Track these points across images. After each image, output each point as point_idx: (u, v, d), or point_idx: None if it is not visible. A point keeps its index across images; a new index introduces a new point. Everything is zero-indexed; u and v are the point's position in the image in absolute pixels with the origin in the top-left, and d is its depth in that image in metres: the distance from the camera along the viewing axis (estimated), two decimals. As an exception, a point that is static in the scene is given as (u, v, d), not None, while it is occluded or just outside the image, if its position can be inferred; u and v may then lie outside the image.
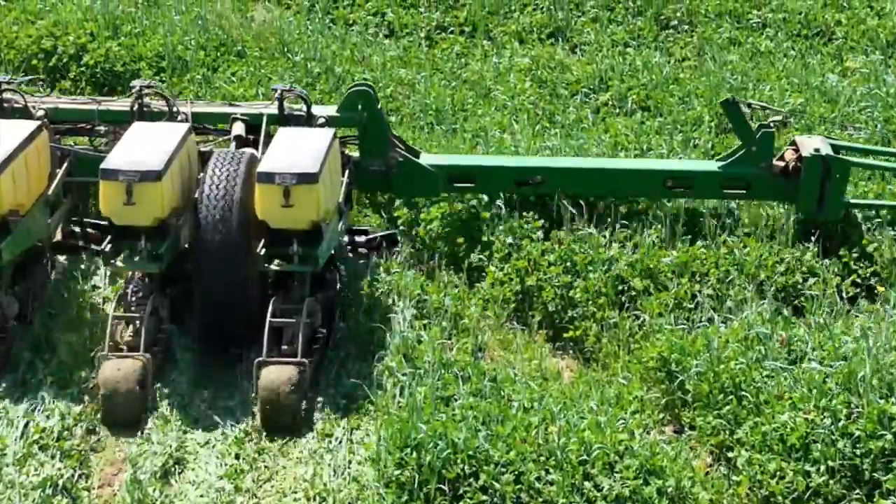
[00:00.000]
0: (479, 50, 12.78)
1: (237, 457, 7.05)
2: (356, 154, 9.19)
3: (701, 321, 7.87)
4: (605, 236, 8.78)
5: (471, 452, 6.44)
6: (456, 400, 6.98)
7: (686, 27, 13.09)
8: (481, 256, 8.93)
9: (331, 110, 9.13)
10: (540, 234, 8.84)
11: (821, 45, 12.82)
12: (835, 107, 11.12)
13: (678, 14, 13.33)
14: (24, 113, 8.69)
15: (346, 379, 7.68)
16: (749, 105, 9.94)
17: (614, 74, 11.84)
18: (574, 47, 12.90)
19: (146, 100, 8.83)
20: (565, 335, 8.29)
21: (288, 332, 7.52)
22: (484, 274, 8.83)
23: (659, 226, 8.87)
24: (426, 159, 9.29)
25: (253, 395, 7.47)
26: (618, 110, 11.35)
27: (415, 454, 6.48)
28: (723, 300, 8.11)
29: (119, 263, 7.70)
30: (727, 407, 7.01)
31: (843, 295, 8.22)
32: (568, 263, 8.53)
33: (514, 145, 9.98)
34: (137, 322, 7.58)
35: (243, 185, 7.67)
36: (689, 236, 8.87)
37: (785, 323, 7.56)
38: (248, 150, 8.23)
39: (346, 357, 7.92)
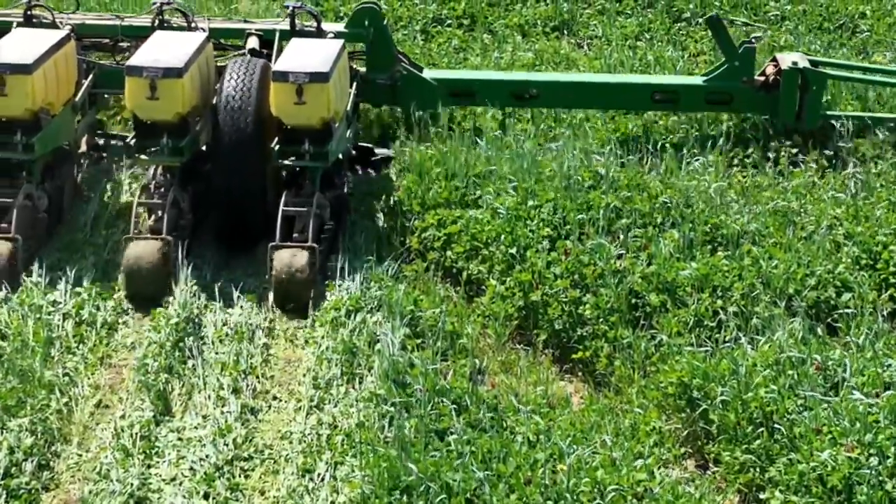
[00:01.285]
0: (479, 44, 12.10)
1: (206, 496, 6.32)
2: (363, 70, 9.93)
3: (725, 341, 7.13)
4: (616, 245, 8.07)
5: (468, 496, 5.73)
6: (451, 433, 6.25)
7: (700, 20, 12.35)
8: (480, 268, 8.22)
9: (339, 27, 9.94)
10: (545, 243, 8.13)
11: (844, 40, 12.14)
12: (863, 104, 10.42)
13: (691, 6, 12.62)
14: (52, 28, 9.28)
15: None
16: (732, 22, 11.01)
17: (624, 70, 11.14)
18: (580, 41, 12.23)
19: (166, 16, 9.38)
20: (574, 356, 7.53)
21: (299, 222, 8.25)
22: (483, 287, 8.12)
23: (675, 233, 8.16)
24: (429, 74, 10.17)
25: (267, 276, 8.14)
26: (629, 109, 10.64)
27: (405, 497, 5.77)
28: (748, 318, 7.37)
29: (143, 157, 8.49)
30: (757, 441, 6.26)
31: (882, 311, 7.47)
32: (576, 276, 7.80)
33: (517, 148, 9.27)
34: (160, 210, 8.29)
35: (259, 88, 8.48)
36: (710, 245, 8.16)
37: (820, 345, 6.84)
38: (263, 60, 8.93)
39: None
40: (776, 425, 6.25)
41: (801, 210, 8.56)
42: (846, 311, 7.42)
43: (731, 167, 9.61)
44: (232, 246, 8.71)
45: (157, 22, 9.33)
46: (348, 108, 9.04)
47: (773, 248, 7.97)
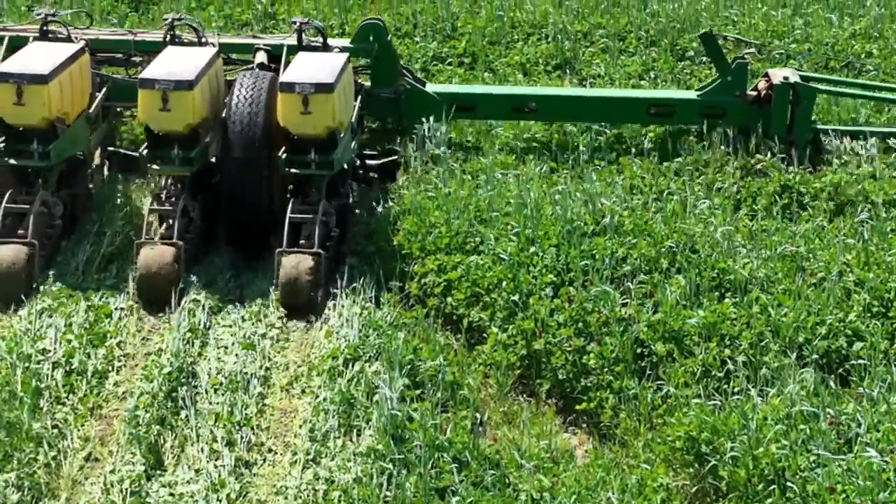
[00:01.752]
0: (480, 82, 11.94)
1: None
2: (368, 84, 10.31)
3: (734, 393, 6.95)
4: (621, 292, 7.90)
5: (470, 559, 5.56)
6: (453, 493, 6.07)
7: (704, 59, 12.23)
8: (482, 315, 8.05)
9: (345, 42, 10.29)
10: (548, 290, 7.96)
11: (851, 79, 11.98)
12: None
13: (695, 44, 12.50)
14: (67, 42, 9.54)
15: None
16: (725, 38, 11.55)
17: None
18: (583, 80, 12.07)
19: (177, 31, 9.68)
20: (578, 407, 7.35)
21: (305, 229, 8.57)
22: (485, 335, 7.95)
23: (682, 280, 7.98)
24: (431, 88, 10.60)
25: (274, 281, 8.40)
26: (633, 150, 10.49)
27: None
28: (757, 368, 7.19)
29: (155, 167, 8.81)
30: (769, 499, 6.07)
31: (895, 362, 7.28)
32: (580, 324, 7.64)
33: (520, 190, 9.10)
34: (171, 218, 8.65)
35: (267, 99, 8.81)
36: (717, 292, 7.98)
37: (832, 398, 6.66)
38: (271, 73, 9.29)
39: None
40: (788, 483, 6.08)
41: (811, 255, 8.38)
42: (858, 361, 7.24)
43: (737, 210, 9.47)
44: (241, 251, 9.03)
45: (168, 37, 9.65)
46: (353, 119, 9.36)
47: (783, 295, 7.80)
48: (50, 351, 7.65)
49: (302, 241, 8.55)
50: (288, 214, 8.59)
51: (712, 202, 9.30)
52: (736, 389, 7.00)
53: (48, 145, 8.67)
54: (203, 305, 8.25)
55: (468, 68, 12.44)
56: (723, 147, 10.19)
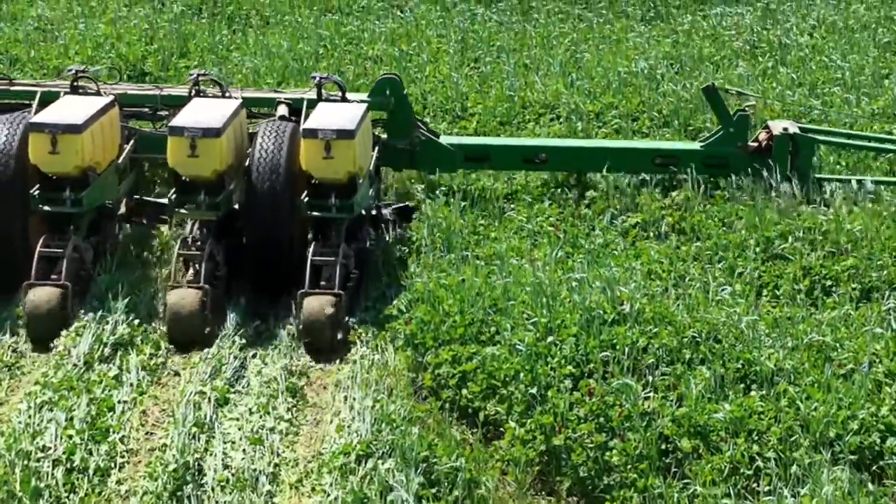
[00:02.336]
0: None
1: None
2: (385, 136, 10.79)
3: (765, 492, 6.70)
4: (643, 385, 7.67)
5: None
6: None
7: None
8: (499, 408, 7.81)
9: (363, 96, 10.69)
10: (567, 382, 7.73)
11: (870, 160, 11.82)
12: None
13: (708, 125, 12.34)
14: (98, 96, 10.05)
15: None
16: (727, 91, 11.83)
17: (644, 192, 10.82)
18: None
19: (202, 86, 10.19)
20: (600, 507, 7.12)
21: (326, 271, 9.01)
22: (502, 430, 7.70)
23: (706, 371, 7.75)
24: (446, 139, 11.05)
25: (297, 321, 8.88)
26: (649, 233, 10.32)
27: None
28: (787, 465, 6.95)
29: (182, 211, 9.26)
30: None
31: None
32: (601, 419, 7.40)
33: (534, 275, 8.89)
34: (197, 262, 9.09)
35: (289, 147, 9.27)
36: (742, 384, 7.74)
37: (868, 499, 6.40)
38: (292, 123, 9.70)
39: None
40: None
41: (838, 345, 8.15)
42: (893, 458, 6.99)
43: (759, 296, 9.26)
44: (264, 294, 9.43)
45: (193, 92, 10.10)
46: (371, 167, 9.86)
47: (811, 387, 7.56)
48: (50, 448, 7.41)
49: (322, 283, 8.98)
50: (309, 257, 9.04)
51: (734, 288, 9.10)
52: (766, 488, 6.77)
53: (80, 193, 9.14)
54: (209, 398, 8.04)
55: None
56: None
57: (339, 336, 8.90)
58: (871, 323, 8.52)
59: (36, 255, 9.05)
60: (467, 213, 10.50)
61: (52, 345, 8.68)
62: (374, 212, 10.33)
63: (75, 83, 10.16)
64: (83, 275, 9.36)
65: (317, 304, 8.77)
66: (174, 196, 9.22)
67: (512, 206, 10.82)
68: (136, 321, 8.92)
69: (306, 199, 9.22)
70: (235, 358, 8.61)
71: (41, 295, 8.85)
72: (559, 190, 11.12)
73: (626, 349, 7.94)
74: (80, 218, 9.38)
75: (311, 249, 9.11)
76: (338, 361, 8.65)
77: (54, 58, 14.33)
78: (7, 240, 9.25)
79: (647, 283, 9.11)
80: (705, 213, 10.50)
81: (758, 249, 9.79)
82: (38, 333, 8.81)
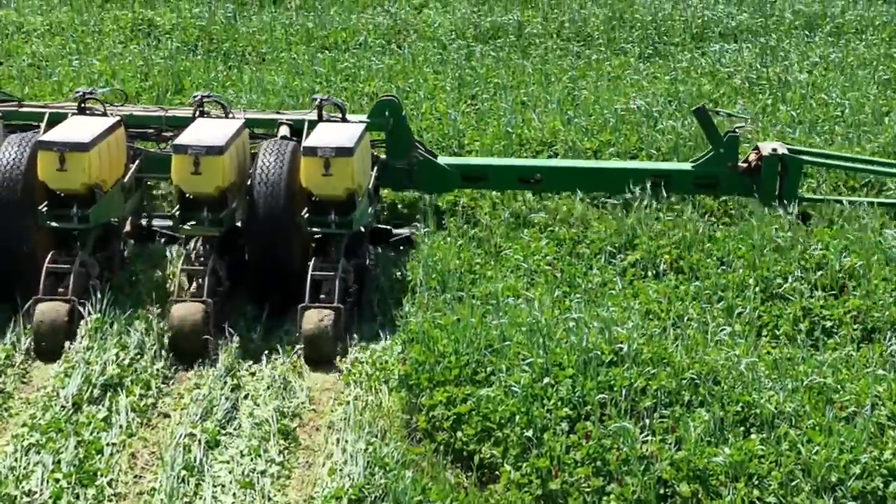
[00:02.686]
0: (488, 202, 11.73)
1: None
2: (384, 156, 11.17)
3: (765, 539, 6.59)
4: (641, 428, 7.55)
5: None
6: None
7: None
8: (494, 451, 7.68)
9: (362, 117, 11.00)
10: (564, 425, 7.62)
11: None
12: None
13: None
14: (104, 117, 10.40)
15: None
16: (717, 112, 12.26)
17: (642, 231, 10.74)
18: (594, 199, 11.83)
19: (206, 108, 10.64)
20: (598, 553, 6.99)
21: (326, 286, 9.38)
22: (497, 473, 7.57)
23: (705, 414, 7.64)
24: (443, 160, 11.44)
25: (297, 334, 9.21)
26: (648, 273, 10.23)
27: None
28: (789, 511, 6.84)
29: (186, 227, 9.56)
30: None
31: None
32: (598, 462, 7.28)
33: (530, 315, 8.79)
34: (200, 277, 9.45)
35: (289, 165, 9.63)
36: (742, 427, 7.63)
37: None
38: (293, 142, 10.04)
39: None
40: None
41: (839, 387, 8.04)
42: (896, 504, 6.89)
43: (759, 337, 9.16)
44: (266, 308, 9.71)
45: (197, 113, 10.52)
46: (370, 186, 10.26)
47: (812, 430, 7.45)
48: (36, 492, 7.30)
49: (322, 297, 9.34)
50: (310, 272, 9.39)
51: (733, 328, 9.00)
52: (767, 535, 6.63)
53: (87, 209, 9.45)
54: (199, 440, 7.93)
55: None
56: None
57: (339, 348, 9.22)
58: (873, 364, 8.42)
59: (44, 271, 9.34)
60: (464, 252, 10.41)
61: (56, 359, 8.95)
62: (374, 231, 10.73)
63: (82, 105, 10.49)
64: (89, 290, 9.56)
65: (317, 317, 9.12)
66: (178, 213, 9.55)
67: (509, 245, 10.72)
68: (126, 361, 8.81)
69: (307, 215, 9.58)
70: (227, 399, 8.50)
71: (48, 309, 9.15)
72: (557, 229, 11.02)
73: (624, 391, 7.83)
74: (86, 234, 9.70)
75: (311, 264, 9.45)
76: (332, 402, 8.62)
77: (48, 94, 14.33)
78: (15, 254, 9.50)
79: (646, 323, 9.01)
80: (704, 251, 10.41)
81: (757, 289, 9.69)
82: (45, 347, 9.09)
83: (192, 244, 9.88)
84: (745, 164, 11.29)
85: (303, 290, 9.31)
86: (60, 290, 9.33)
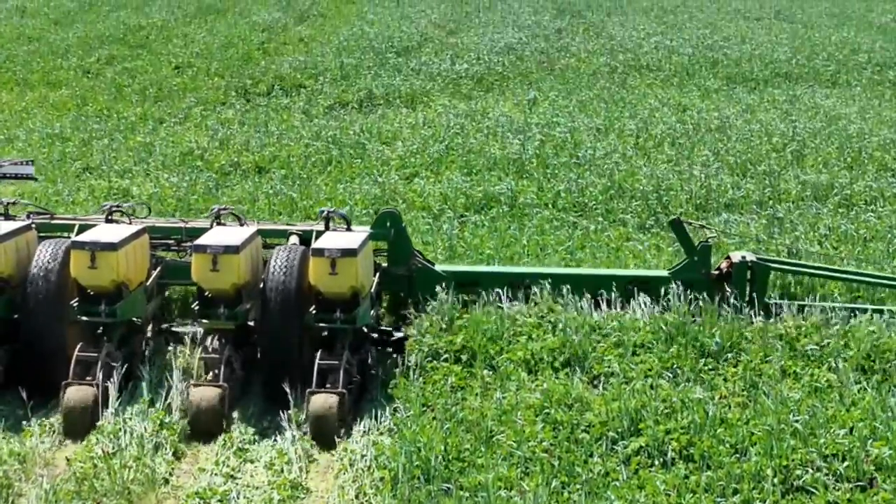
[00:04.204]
0: (479, 382, 10.97)
1: None
2: (385, 264, 12.24)
3: None
4: None
5: None
6: None
7: (729, 355, 11.30)
8: None
9: (366, 228, 12.00)
10: None
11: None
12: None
13: (717, 339, 11.54)
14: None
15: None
16: (689, 223, 13.21)
17: (647, 415, 9.98)
18: (595, 379, 11.09)
19: (222, 220, 11.77)
20: None
21: (331, 376, 10.36)
22: None
23: None
24: (440, 267, 12.54)
25: (304, 416, 10.19)
26: (654, 461, 9.42)
27: None
28: None
29: (204, 321, 10.71)
30: None
31: None
32: None
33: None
34: (216, 366, 10.53)
35: (299, 268, 10.69)
36: None
37: None
38: (303, 247, 11.12)
39: None
40: None
41: None
42: None
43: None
44: (275, 398, 10.53)
45: (214, 223, 11.68)
46: (372, 289, 11.37)
47: None
48: None
49: (328, 385, 10.29)
50: (317, 362, 10.38)
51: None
52: None
53: (114, 305, 10.52)
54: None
55: (466, 366, 11.43)
56: None
57: (342, 431, 10.14)
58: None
59: (73, 359, 10.39)
60: (451, 437, 9.61)
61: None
62: (375, 335, 11.72)
63: (109, 217, 11.68)
64: (113, 378, 10.43)
65: (322, 401, 10.12)
66: (197, 308, 10.70)
67: (501, 429, 9.92)
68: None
69: (314, 312, 10.59)
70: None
71: (77, 395, 10.20)
72: (553, 411, 10.22)
73: None
74: (112, 329, 10.74)
75: (318, 355, 10.42)
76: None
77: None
78: (53, 347, 10.59)
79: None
80: (716, 437, 9.61)
81: (776, 480, 8.89)
82: (73, 427, 10.16)
83: (208, 339, 10.95)
84: (717, 271, 12.37)
85: (309, 380, 10.30)
86: (88, 377, 10.33)
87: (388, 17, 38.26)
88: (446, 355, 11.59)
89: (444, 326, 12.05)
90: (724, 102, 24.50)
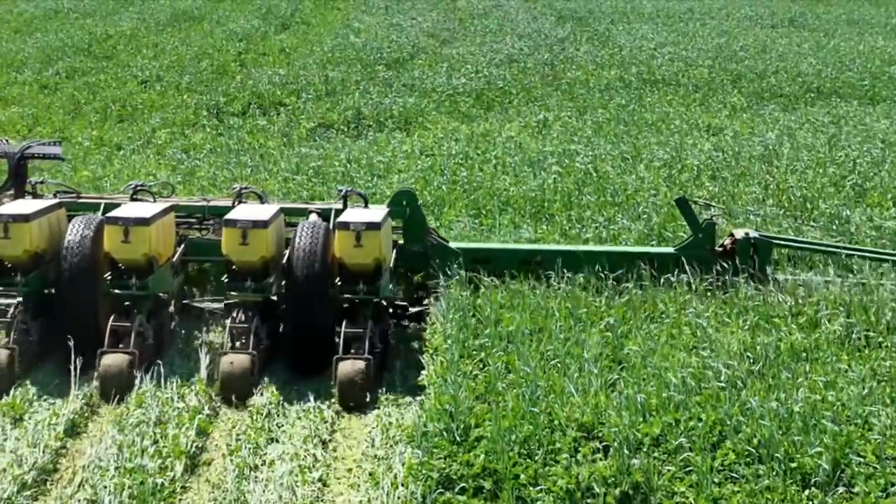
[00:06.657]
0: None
1: None
2: (402, 241, 12.46)
3: None
4: None
5: None
6: None
7: (835, 485, 8.41)
8: None
9: (383, 207, 12.23)
10: None
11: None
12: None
13: (824, 466, 8.57)
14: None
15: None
16: (695, 202, 13.47)
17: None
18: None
19: (244, 199, 12.24)
20: None
21: (356, 344, 10.82)
22: None
23: None
24: (454, 244, 12.70)
25: (332, 382, 10.59)
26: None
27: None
28: None
29: (233, 294, 11.14)
30: None
31: None
32: None
33: None
34: (244, 335, 10.93)
35: (323, 241, 11.12)
36: None
37: None
38: (325, 222, 11.59)
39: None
40: None
41: None
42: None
43: None
44: (301, 367, 11.00)
45: (236, 202, 12.05)
46: (391, 263, 11.61)
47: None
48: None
49: (352, 351, 10.66)
50: (343, 330, 10.77)
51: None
52: None
53: (146, 278, 10.91)
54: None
55: (492, 497, 8.49)
56: None
57: (368, 397, 10.46)
58: None
59: (108, 330, 10.79)
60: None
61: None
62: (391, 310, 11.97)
63: (134, 195, 12.13)
64: (146, 347, 10.98)
65: (350, 366, 10.47)
66: (226, 281, 11.13)
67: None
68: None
69: (339, 283, 11.04)
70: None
71: (113, 360, 10.61)
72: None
73: None
74: (142, 302, 11.08)
75: (342, 325, 10.81)
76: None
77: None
78: (84, 318, 10.90)
79: None
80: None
81: None
82: (109, 391, 10.50)
83: (235, 311, 11.13)
84: (721, 248, 12.59)
85: (334, 349, 10.66)
86: (121, 345, 10.77)
87: (375, 25, 35.32)
88: (462, 483, 8.62)
89: (457, 438, 9.11)
90: (758, 123, 21.55)
